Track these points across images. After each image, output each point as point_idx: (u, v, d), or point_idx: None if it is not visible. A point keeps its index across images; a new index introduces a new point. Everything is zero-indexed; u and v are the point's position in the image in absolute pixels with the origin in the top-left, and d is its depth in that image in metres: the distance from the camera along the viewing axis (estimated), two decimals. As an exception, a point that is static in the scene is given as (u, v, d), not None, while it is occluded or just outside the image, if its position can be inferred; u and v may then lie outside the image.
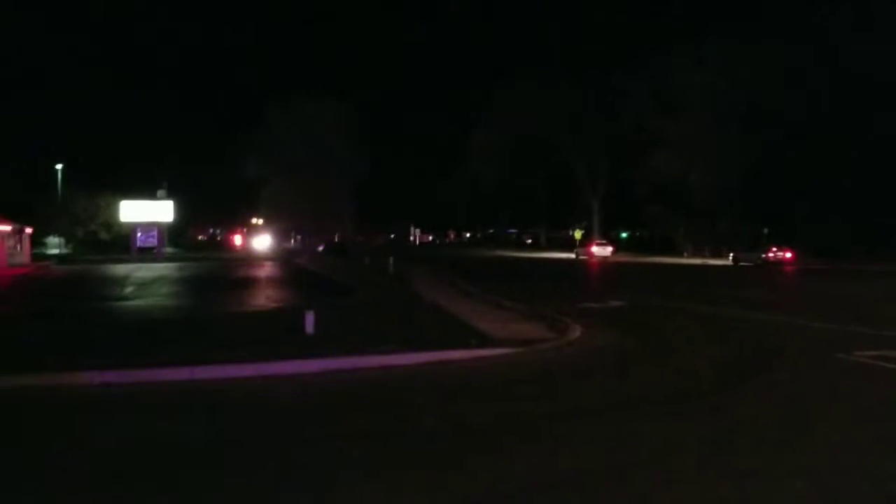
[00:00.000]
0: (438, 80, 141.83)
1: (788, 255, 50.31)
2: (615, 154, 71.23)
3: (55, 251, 61.91)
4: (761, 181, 57.88)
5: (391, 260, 38.28)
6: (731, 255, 53.57)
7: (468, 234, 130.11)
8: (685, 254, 65.96)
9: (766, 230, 62.13)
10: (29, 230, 47.91)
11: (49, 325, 15.76)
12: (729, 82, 57.55)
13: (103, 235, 70.08)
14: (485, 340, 13.26)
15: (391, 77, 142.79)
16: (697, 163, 61.17)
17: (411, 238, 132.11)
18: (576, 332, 14.68)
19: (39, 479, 6.17)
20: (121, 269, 40.92)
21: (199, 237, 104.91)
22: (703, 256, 60.77)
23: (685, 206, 64.53)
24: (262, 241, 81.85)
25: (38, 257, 51.04)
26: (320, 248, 72.75)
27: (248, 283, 30.92)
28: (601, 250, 64.52)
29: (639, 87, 63.78)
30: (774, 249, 51.02)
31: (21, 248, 45.42)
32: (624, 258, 62.37)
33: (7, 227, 40.29)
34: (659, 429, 7.83)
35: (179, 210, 63.91)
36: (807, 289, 31.01)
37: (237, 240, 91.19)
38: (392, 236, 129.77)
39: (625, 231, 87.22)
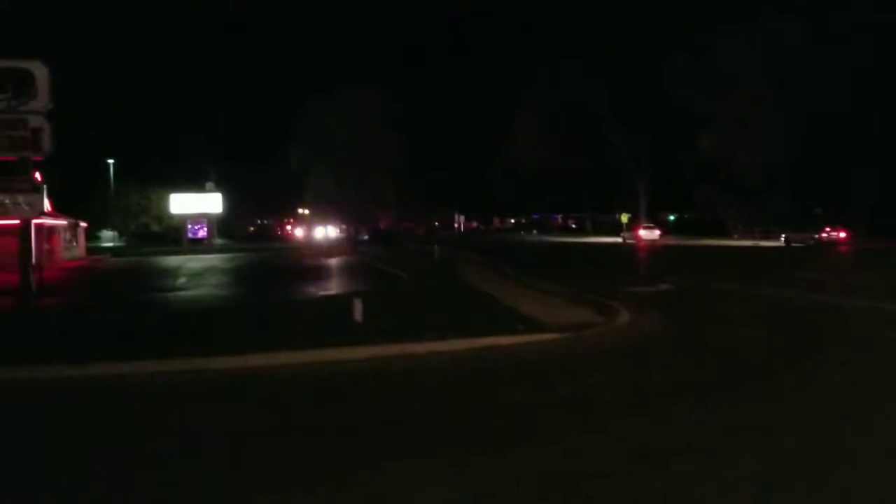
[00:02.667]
0: (480, 64, 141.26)
1: (842, 234, 49.15)
2: (661, 135, 70.17)
3: (109, 244, 63.59)
4: (813, 160, 56.51)
5: (436, 247, 38.45)
6: (783, 235, 52.57)
7: (513, 220, 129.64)
8: (735, 235, 64.94)
9: (818, 210, 60.76)
10: (84, 224, 49.18)
11: (106, 316, 16.21)
12: (777, 58, 56.14)
13: (155, 228, 71.75)
14: (532, 326, 13.25)
15: (433, 62, 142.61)
16: (746, 142, 59.88)
17: (456, 225, 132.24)
18: (624, 317, 14.57)
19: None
20: (173, 261, 41.82)
21: (250, 228, 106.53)
22: (754, 238, 59.72)
23: (734, 187, 63.40)
24: (316, 232, 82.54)
25: (92, 250, 52.37)
26: (364, 237, 73.08)
27: (296, 273, 31.36)
28: (648, 234, 63.88)
29: (685, 66, 62.59)
30: (828, 229, 49.91)
31: (76, 241, 46.66)
32: (672, 241, 61.60)
33: (63, 222, 41.42)
34: (711, 413, 7.78)
35: (228, 202, 65.11)
36: (861, 269, 30.26)
37: (286, 230, 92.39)
38: (437, 223, 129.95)
39: (672, 214, 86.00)
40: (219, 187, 64.00)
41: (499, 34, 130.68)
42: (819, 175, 57.12)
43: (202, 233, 60.29)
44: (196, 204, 61.43)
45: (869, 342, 11.93)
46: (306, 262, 39.38)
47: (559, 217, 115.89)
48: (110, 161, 64.24)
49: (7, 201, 16.32)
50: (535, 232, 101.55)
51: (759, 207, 64.80)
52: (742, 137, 59.75)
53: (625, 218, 73.95)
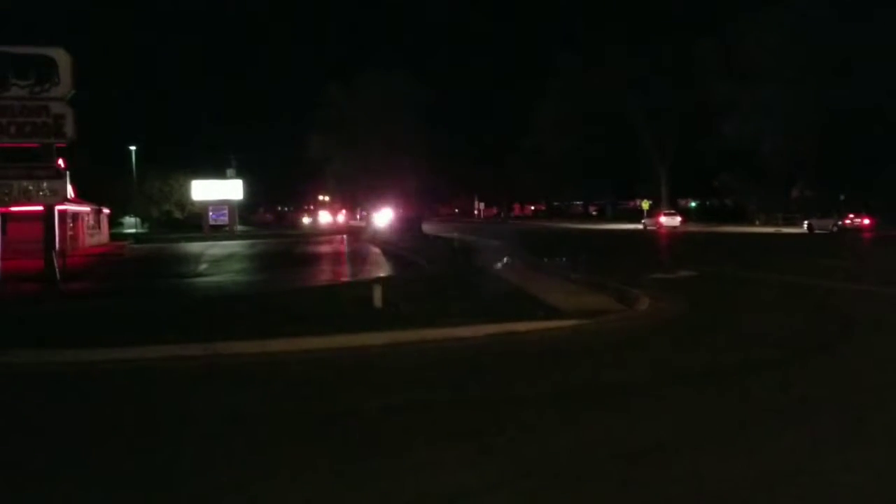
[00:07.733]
0: (503, 51, 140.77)
1: (867, 221, 48.49)
2: (684, 121, 69.48)
3: (132, 230, 64.15)
4: (836, 146, 55.64)
5: (456, 234, 38.45)
6: (806, 222, 51.93)
7: (533, 207, 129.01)
8: (757, 222, 64.27)
9: (842, 196, 59.97)
10: (107, 211, 49.63)
11: (128, 301, 16.37)
12: (801, 43, 55.24)
13: (177, 214, 72.29)
14: (552, 312, 13.19)
15: (456, 48, 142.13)
16: (769, 128, 59.07)
17: (476, 212, 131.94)
18: (644, 303, 14.46)
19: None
20: (195, 247, 42.15)
21: (268, 216, 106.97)
22: (777, 224, 59.04)
23: (757, 174, 62.69)
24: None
25: (115, 237, 52.88)
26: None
27: (317, 259, 31.49)
28: (670, 220, 63.40)
29: (708, 51, 61.84)
30: (851, 216, 49.27)
31: (100, 227, 47.12)
32: (694, 228, 61.14)
33: (86, 208, 41.82)
34: (730, 398, 7.73)
35: (249, 188, 65.45)
36: (885, 256, 29.86)
37: (306, 217, 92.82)
38: (456, 210, 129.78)
39: (694, 200, 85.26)
40: (240, 174, 64.38)
41: (522, 20, 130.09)
42: (843, 162, 56.23)
43: (222, 219, 60.73)
44: (217, 191, 61.87)
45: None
46: (325, 248, 39.51)
47: (580, 204, 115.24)
48: (132, 148, 64.71)
49: (31, 187, 16.53)
50: (555, 219, 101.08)
51: (782, 194, 64.06)
52: (766, 124, 58.94)
53: (646, 204, 73.39)
